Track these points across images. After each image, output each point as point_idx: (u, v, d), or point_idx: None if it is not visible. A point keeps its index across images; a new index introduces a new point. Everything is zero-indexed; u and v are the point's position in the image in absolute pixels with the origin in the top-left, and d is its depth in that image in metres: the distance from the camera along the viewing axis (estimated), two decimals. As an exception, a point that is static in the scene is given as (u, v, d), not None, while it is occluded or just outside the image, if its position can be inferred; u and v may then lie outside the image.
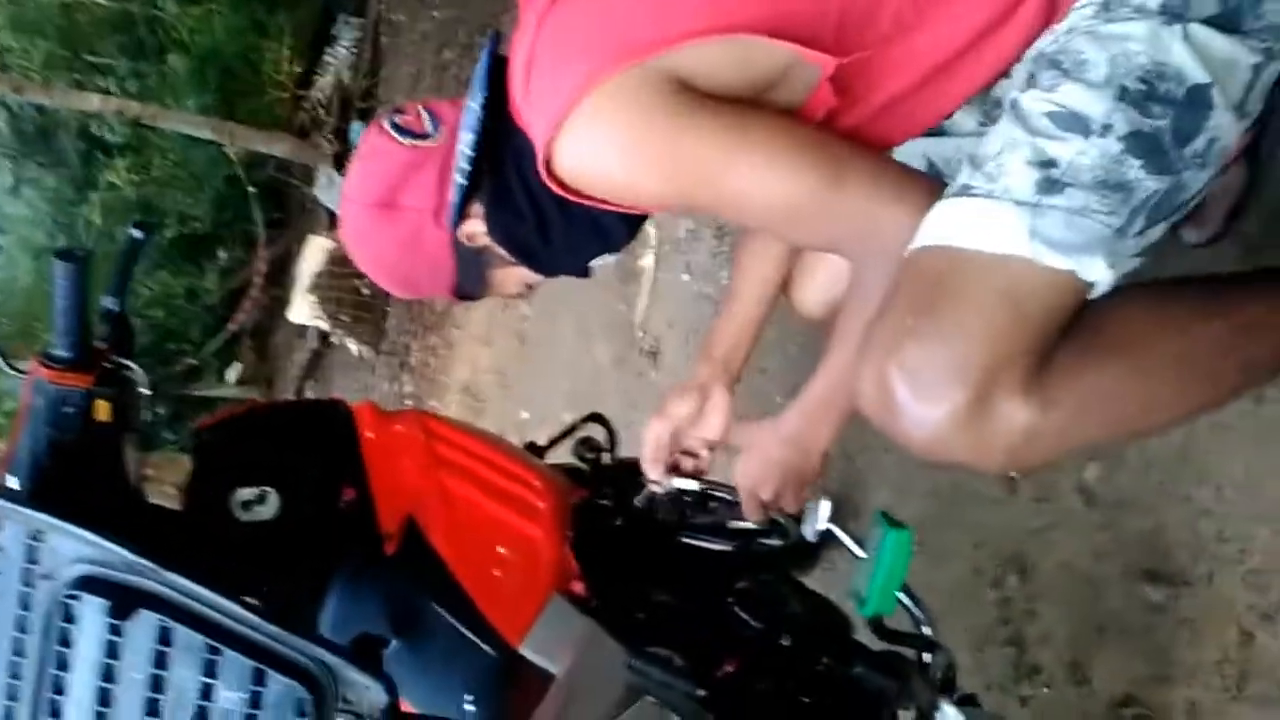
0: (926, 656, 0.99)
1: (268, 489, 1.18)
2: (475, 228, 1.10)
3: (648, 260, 2.76)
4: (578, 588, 1.11)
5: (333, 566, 1.18)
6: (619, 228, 1.13)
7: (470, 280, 1.17)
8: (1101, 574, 1.32)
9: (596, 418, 1.53)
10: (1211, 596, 1.19)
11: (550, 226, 1.10)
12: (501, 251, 1.12)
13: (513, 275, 1.17)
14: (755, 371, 2.14)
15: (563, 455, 1.49)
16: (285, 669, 0.93)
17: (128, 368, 1.17)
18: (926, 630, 1.02)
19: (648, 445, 1.24)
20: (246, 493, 1.18)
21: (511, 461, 1.24)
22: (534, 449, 1.46)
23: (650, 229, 2.80)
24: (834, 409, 1.12)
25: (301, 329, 7.43)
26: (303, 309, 6.73)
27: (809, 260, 1.26)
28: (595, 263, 1.18)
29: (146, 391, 1.17)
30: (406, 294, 1.23)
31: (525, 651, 1.02)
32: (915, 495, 1.66)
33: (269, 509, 1.18)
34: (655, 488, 1.26)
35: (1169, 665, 1.22)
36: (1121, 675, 1.28)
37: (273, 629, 0.93)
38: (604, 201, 1.00)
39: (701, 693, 0.86)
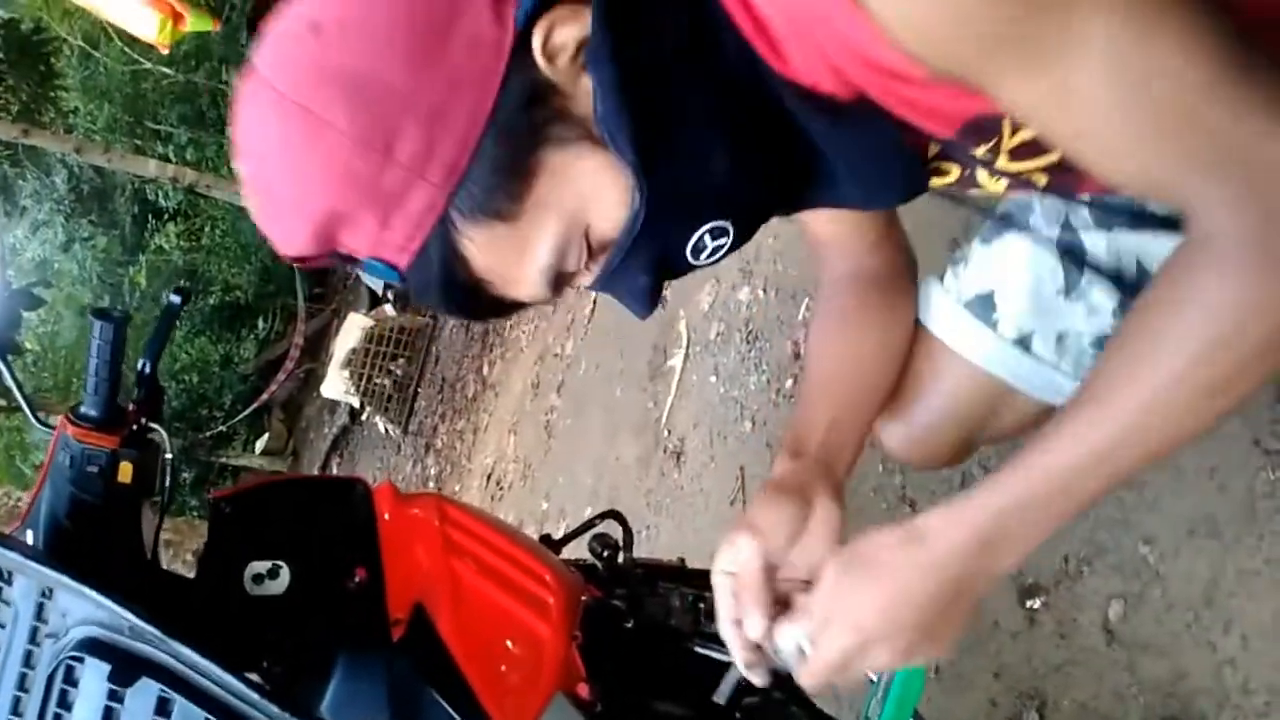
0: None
1: (280, 564, 1.18)
2: (567, 34, 0.62)
3: (676, 360, 2.78)
4: (582, 690, 1.09)
5: (338, 647, 1.17)
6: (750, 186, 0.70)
7: (503, 154, 0.62)
8: (1121, 715, 1.28)
9: (613, 514, 1.52)
10: (1235, 750, 1.16)
11: (700, 92, 0.66)
12: (587, 112, 0.64)
13: (573, 186, 0.65)
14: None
15: (579, 551, 1.49)
16: (279, 751, 0.92)
17: (154, 430, 1.18)
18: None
19: (731, 583, 0.80)
20: (259, 566, 1.18)
21: (525, 554, 1.23)
22: (549, 542, 1.45)
23: (682, 329, 2.82)
24: (1047, 514, 0.68)
25: (333, 404, 7.50)
26: (336, 384, 6.81)
27: (909, 388, 1.01)
28: (664, 289, 0.78)
29: (169, 456, 1.18)
30: (366, 153, 0.60)
31: (524, 751, 1.00)
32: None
33: (280, 584, 1.18)
34: (749, 667, 0.81)
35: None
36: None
37: (272, 709, 0.93)
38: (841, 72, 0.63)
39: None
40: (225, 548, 1.18)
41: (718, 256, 0.71)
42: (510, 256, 0.66)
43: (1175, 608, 1.26)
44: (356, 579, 1.18)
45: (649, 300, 0.72)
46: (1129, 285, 0.92)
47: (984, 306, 0.96)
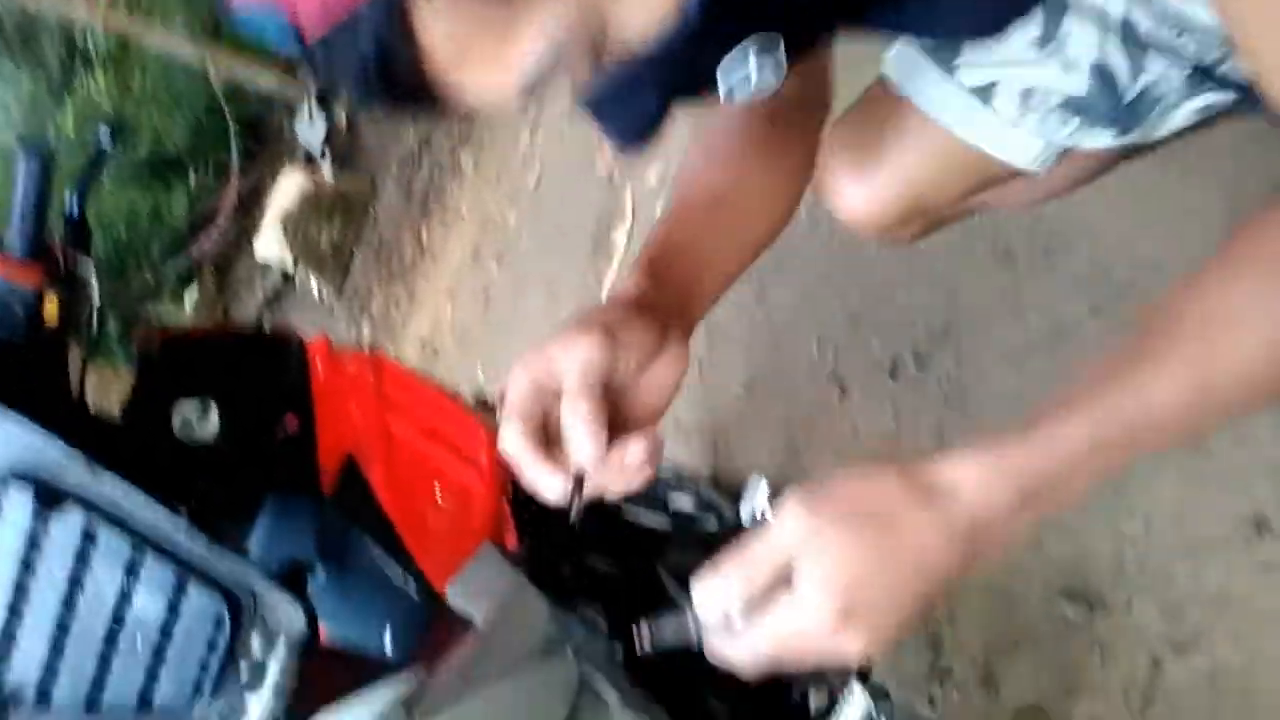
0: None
1: (210, 408, 1.17)
2: None
3: (620, 235, 2.77)
4: (510, 541, 1.11)
5: (266, 492, 1.18)
6: None
7: None
8: (1023, 588, 1.35)
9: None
10: (1128, 622, 1.23)
11: None
12: None
13: None
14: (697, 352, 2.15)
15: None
16: (207, 582, 0.93)
17: (82, 269, 1.15)
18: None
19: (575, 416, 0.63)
20: (188, 409, 1.17)
21: (459, 412, 1.24)
22: (485, 406, 1.46)
23: (627, 204, 2.80)
24: (1099, 460, 0.57)
25: (265, 264, 7.32)
26: (269, 243, 6.63)
27: (859, 141, 0.94)
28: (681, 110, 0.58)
29: (97, 296, 1.16)
30: None
31: (450, 596, 1.02)
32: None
33: (209, 429, 1.17)
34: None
35: (1078, 681, 1.25)
36: (1031, 686, 1.31)
37: (199, 542, 0.93)
38: None
39: (619, 650, 0.87)
40: (153, 390, 1.17)
41: (753, 84, 0.55)
42: (485, 45, 0.48)
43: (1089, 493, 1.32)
44: (288, 428, 1.18)
45: (647, 131, 0.57)
46: (1115, 29, 0.78)
47: (946, 53, 0.89)
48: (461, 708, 0.70)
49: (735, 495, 1.85)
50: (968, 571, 0.57)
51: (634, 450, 0.64)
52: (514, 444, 0.64)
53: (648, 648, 0.61)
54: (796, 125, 0.84)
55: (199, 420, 1.17)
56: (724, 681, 0.98)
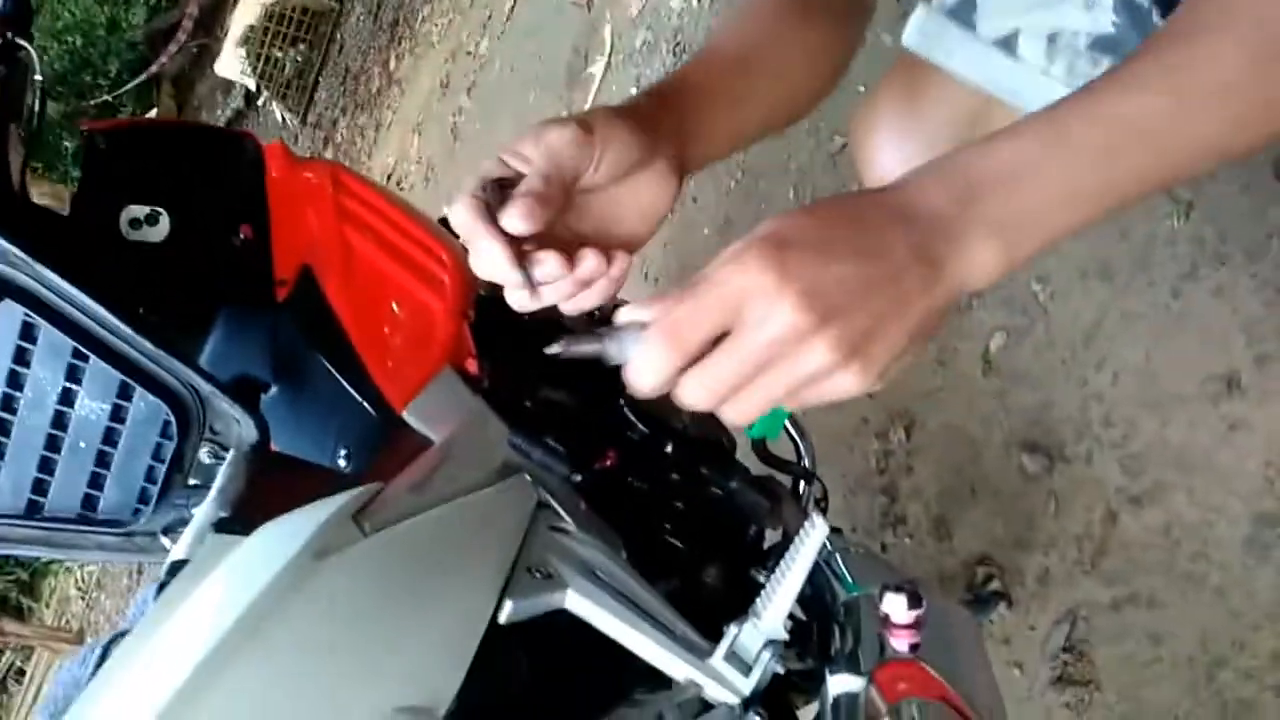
0: (802, 486, 1.00)
1: (160, 209, 1.12)
2: None
3: (597, 68, 2.66)
4: (471, 366, 1.08)
5: (219, 301, 1.13)
6: None
7: None
8: (983, 438, 1.35)
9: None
10: (1085, 474, 1.23)
11: None
12: None
13: None
14: (685, 197, 2.09)
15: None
16: (153, 387, 0.90)
17: (22, 48, 1.07)
18: (806, 461, 1.02)
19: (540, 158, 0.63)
20: (137, 210, 1.11)
21: (423, 231, 1.19)
22: (447, 225, 1.41)
23: (606, 35, 2.68)
24: (1058, 166, 0.55)
25: (227, 84, 7.10)
26: (231, 63, 6.41)
27: (889, 112, 0.93)
28: None
29: (39, 78, 1.08)
30: None
31: (408, 416, 1.00)
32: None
33: (159, 231, 1.12)
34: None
35: (1030, 532, 1.26)
36: (983, 535, 1.32)
37: (145, 344, 0.89)
38: None
39: (577, 477, 0.85)
40: (100, 185, 1.11)
41: None
42: None
43: (1055, 344, 1.30)
44: (241, 235, 1.13)
45: None
46: None
47: (965, 9, 0.87)
48: (413, 521, 0.68)
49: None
50: (933, 299, 0.54)
51: (588, 261, 0.62)
52: (462, 215, 0.63)
53: (558, 351, 0.60)
54: (837, 12, 0.83)
55: (148, 221, 1.11)
56: (679, 517, 0.96)
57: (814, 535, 0.67)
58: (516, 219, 0.60)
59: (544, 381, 1.19)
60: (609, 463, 0.95)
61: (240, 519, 0.72)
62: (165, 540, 0.93)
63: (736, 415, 0.56)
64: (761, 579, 0.93)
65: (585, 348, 0.58)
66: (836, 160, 1.74)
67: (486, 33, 3.64)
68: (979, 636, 0.76)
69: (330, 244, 1.12)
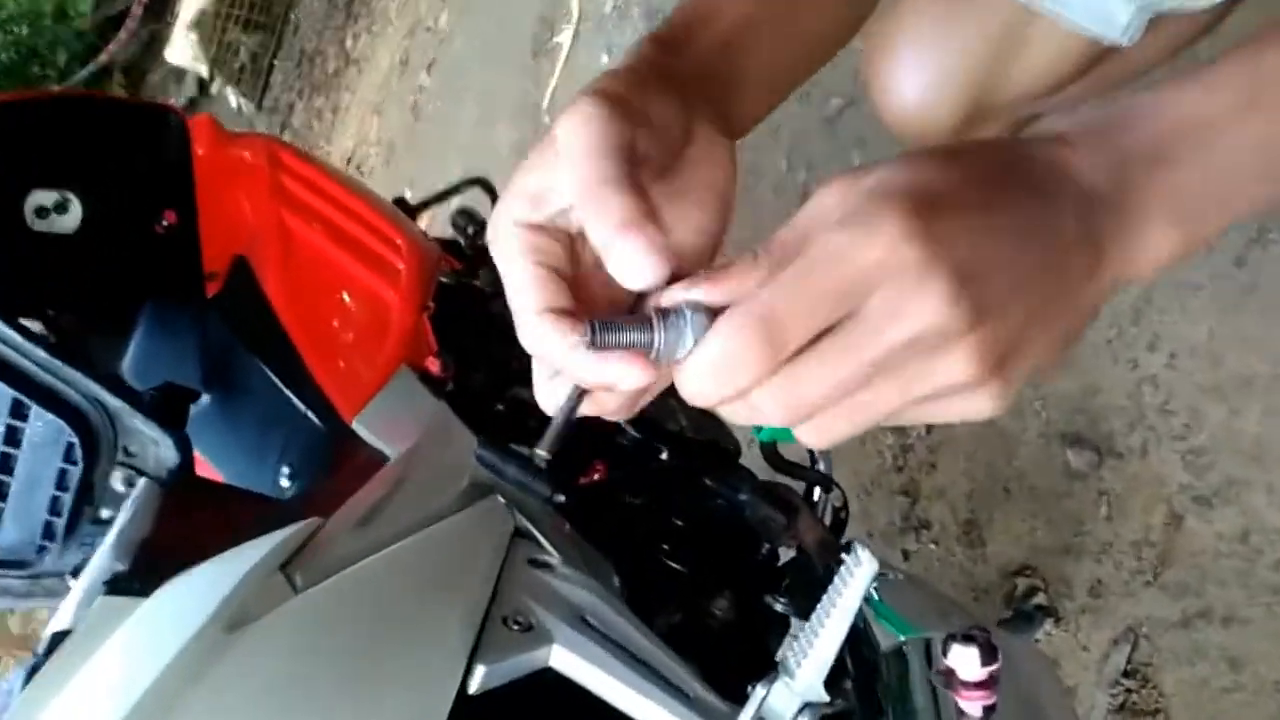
0: (818, 494, 0.87)
1: (70, 195, 0.97)
2: None
3: (564, 37, 2.51)
4: (432, 366, 0.94)
5: (140, 299, 0.99)
6: None
7: None
8: (1017, 431, 1.21)
9: (480, 182, 1.33)
10: (1142, 471, 1.08)
11: None
12: None
13: None
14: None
15: (442, 229, 1.30)
16: (51, 404, 0.76)
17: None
18: (822, 465, 0.89)
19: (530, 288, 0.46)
20: (44, 197, 0.96)
21: (373, 213, 1.05)
22: (404, 207, 1.26)
23: (573, 3, 2.53)
24: (1238, 155, 0.43)
25: (180, 72, 6.89)
26: (183, 49, 6.21)
27: (915, 27, 0.78)
28: None
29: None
30: None
31: (359, 427, 0.86)
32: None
33: (70, 220, 0.97)
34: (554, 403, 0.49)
35: (1078, 538, 1.12)
36: (1021, 542, 1.18)
37: (38, 353, 0.75)
38: None
39: (560, 498, 0.71)
40: (-1, 169, 0.96)
41: None
42: None
43: (1099, 320, 1.16)
44: (164, 222, 0.99)
45: None
46: None
47: None
48: (359, 569, 0.54)
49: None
50: (1093, 295, 0.42)
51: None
52: (527, 298, 0.45)
53: (585, 345, 0.43)
54: None
55: (56, 209, 0.97)
56: (682, 538, 0.83)
57: (859, 575, 0.54)
58: (644, 259, 0.42)
59: (516, 379, 1.06)
60: (597, 476, 0.82)
61: (143, 572, 0.58)
62: (74, 583, 0.79)
63: (821, 438, 0.42)
64: (778, 607, 0.80)
65: (625, 337, 0.42)
66: (835, 125, 1.60)
67: (446, 6, 3.47)
68: (1058, 683, 0.63)
69: (267, 230, 0.99)
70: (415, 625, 0.55)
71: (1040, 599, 1.12)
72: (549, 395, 0.48)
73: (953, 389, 0.39)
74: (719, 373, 0.40)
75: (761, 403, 0.40)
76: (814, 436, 0.42)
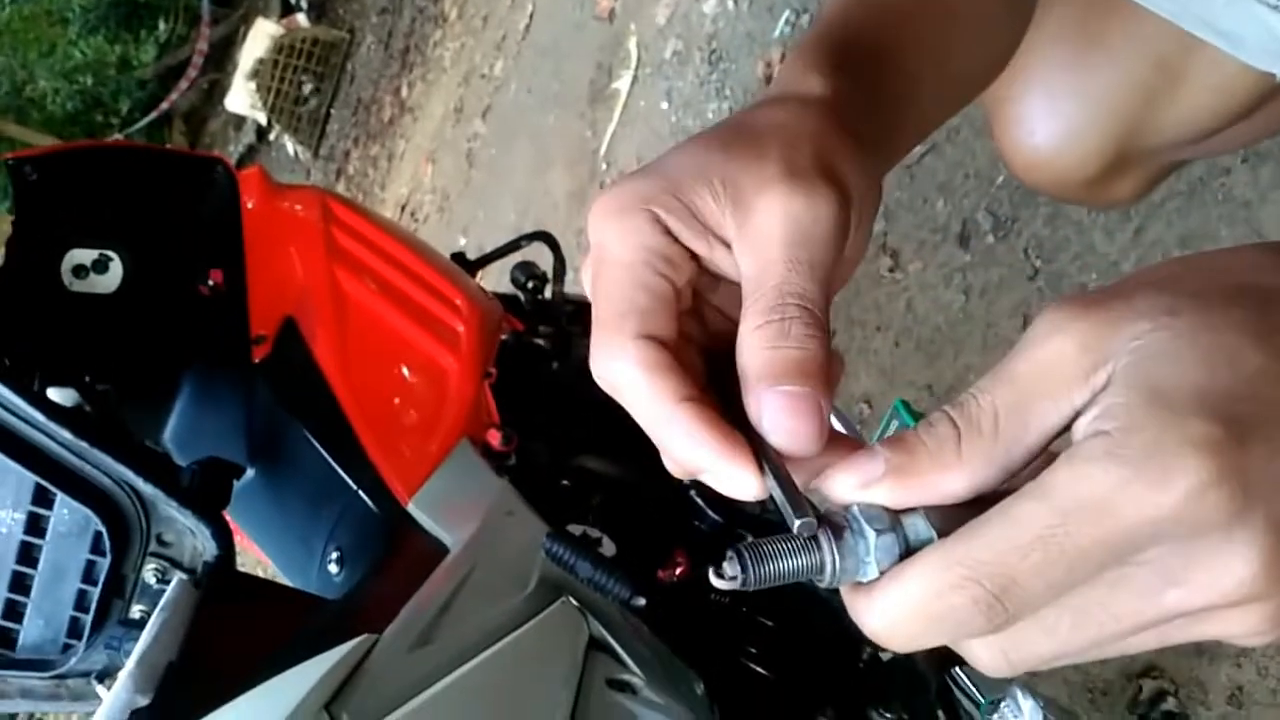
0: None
1: (111, 253, 0.91)
2: None
3: (623, 83, 2.45)
4: (494, 439, 0.86)
5: (183, 365, 0.93)
6: None
7: None
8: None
9: (543, 236, 1.26)
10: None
11: None
12: None
13: None
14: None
15: (500, 282, 1.24)
16: (78, 490, 0.68)
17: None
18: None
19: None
20: (83, 255, 0.91)
21: (432, 272, 0.98)
22: (463, 263, 1.19)
23: (631, 46, 2.47)
24: None
25: (239, 119, 7.00)
26: (241, 97, 6.31)
27: (1052, 69, 0.69)
28: None
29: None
30: None
31: (416, 510, 0.78)
32: (905, 387, 1.44)
33: (110, 280, 0.91)
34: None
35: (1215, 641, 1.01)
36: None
37: (65, 436, 0.68)
38: None
39: (641, 601, 0.63)
40: (35, 227, 0.90)
41: None
42: None
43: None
44: (210, 282, 0.92)
45: None
46: None
47: None
48: (416, 708, 0.45)
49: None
50: None
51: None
52: (665, 410, 0.36)
53: (738, 585, 0.34)
54: None
55: (95, 268, 0.91)
56: (776, 640, 0.74)
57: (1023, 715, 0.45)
58: (805, 436, 0.35)
59: (579, 447, 0.98)
60: (679, 571, 0.73)
61: (168, 708, 0.50)
62: (100, 689, 0.71)
63: (1018, 669, 0.33)
64: (885, 724, 0.70)
65: (785, 565, 0.33)
66: (914, 172, 1.51)
67: (501, 53, 3.45)
68: None
69: (319, 290, 0.92)
70: (482, 777, 0.46)
71: (1171, 705, 1.00)
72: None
73: (1225, 639, 0.31)
74: (921, 627, 0.31)
75: (976, 651, 0.32)
76: (1019, 670, 0.33)
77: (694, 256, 0.39)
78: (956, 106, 0.55)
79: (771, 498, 0.36)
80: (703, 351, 0.40)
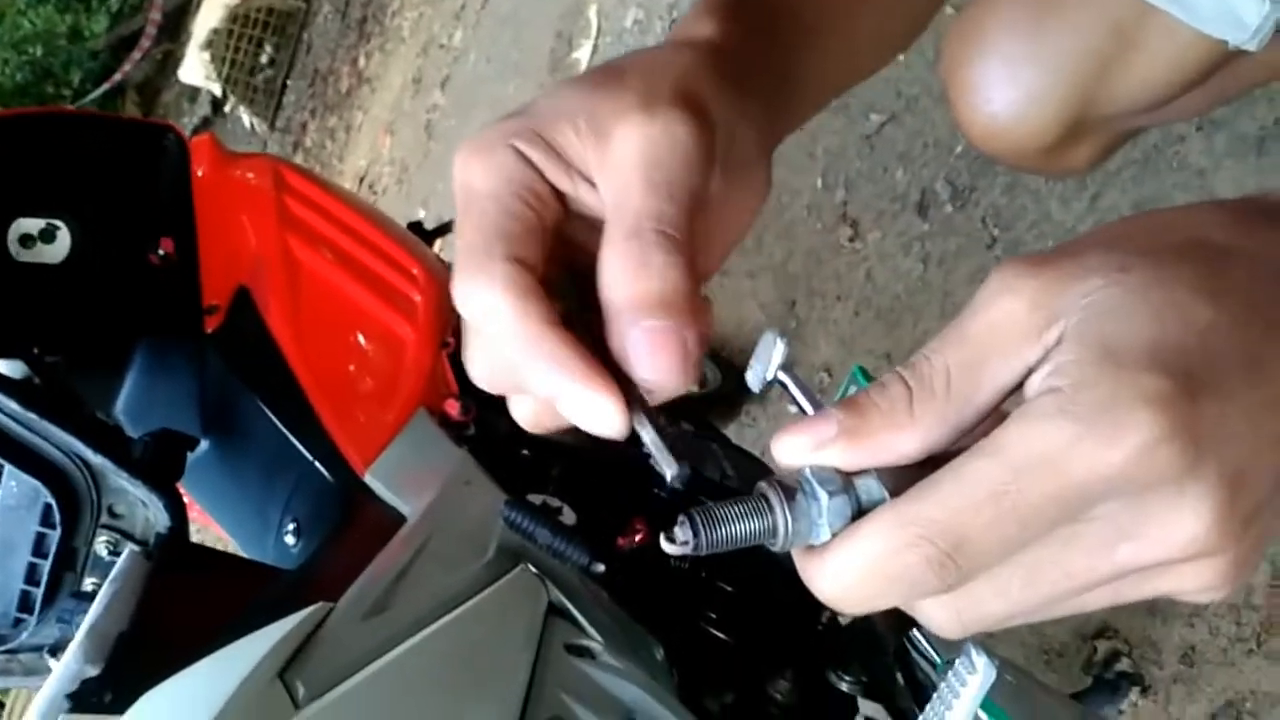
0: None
1: (58, 222, 0.89)
2: None
3: (583, 52, 2.43)
4: (452, 409, 0.86)
5: (134, 336, 0.91)
6: None
7: None
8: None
9: (503, 206, 1.24)
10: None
11: None
12: None
13: None
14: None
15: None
16: (26, 463, 0.67)
17: None
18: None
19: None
20: (29, 224, 0.88)
21: (386, 239, 0.97)
22: (419, 231, 1.18)
23: (592, 14, 2.45)
24: None
25: (194, 91, 6.87)
26: (196, 68, 6.19)
27: (1008, 31, 0.68)
28: None
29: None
30: None
31: (372, 480, 0.78)
32: (864, 356, 1.45)
33: (57, 250, 0.90)
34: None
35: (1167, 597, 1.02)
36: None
37: (13, 407, 0.67)
38: None
39: (600, 566, 0.63)
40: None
41: None
42: None
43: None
44: (161, 251, 0.91)
45: None
46: None
47: None
48: (371, 674, 0.45)
49: (716, 356, 1.61)
50: None
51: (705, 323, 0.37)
52: (530, 332, 0.35)
53: (690, 550, 0.34)
54: None
55: (43, 237, 0.89)
56: (736, 605, 0.74)
57: (973, 684, 0.45)
58: (669, 371, 0.34)
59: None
60: (639, 538, 0.73)
61: (118, 678, 0.49)
62: (53, 662, 0.70)
63: (976, 630, 0.33)
64: (843, 686, 0.71)
65: (737, 530, 0.33)
66: (874, 142, 1.52)
67: (460, 23, 3.41)
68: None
69: (272, 259, 0.91)
70: (439, 742, 0.46)
71: (1124, 665, 1.02)
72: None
73: (1179, 594, 0.31)
74: (874, 587, 0.31)
75: (929, 612, 0.32)
76: (971, 630, 0.33)
77: (560, 197, 0.38)
78: (871, 65, 0.55)
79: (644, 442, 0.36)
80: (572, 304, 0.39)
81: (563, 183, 0.38)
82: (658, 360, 0.34)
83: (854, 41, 0.51)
